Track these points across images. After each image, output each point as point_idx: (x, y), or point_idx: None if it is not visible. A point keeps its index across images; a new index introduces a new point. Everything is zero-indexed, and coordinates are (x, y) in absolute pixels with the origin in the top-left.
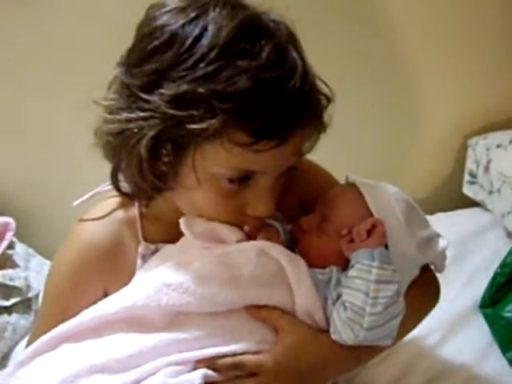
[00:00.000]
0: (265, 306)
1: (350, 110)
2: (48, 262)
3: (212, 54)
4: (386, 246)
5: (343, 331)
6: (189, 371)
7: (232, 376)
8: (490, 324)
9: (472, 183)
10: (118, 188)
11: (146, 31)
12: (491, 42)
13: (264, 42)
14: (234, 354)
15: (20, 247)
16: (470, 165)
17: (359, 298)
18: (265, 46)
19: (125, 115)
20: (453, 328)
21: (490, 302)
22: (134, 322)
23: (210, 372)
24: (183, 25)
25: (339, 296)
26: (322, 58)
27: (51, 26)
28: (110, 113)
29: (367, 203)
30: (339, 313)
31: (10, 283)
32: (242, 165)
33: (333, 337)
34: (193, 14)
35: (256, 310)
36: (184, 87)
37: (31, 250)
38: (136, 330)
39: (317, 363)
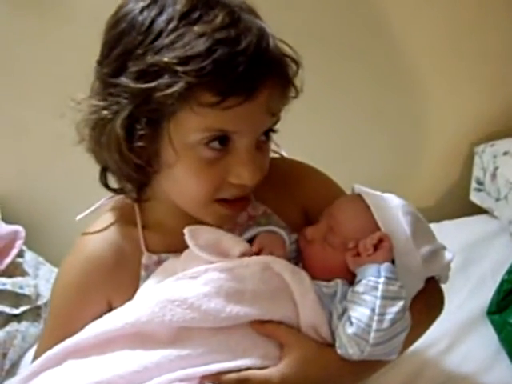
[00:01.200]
0: (269, 321)
1: (357, 117)
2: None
3: (170, 26)
4: (393, 260)
5: (349, 346)
6: None
7: None
8: (497, 331)
9: (479, 190)
10: (106, 185)
11: (111, 23)
12: (497, 49)
13: (218, 9)
14: (239, 370)
15: (29, 255)
16: (476, 172)
17: (366, 314)
18: (219, 12)
19: (100, 104)
20: (460, 335)
21: (498, 309)
22: (139, 338)
23: None
24: (142, 9)
25: (345, 310)
26: (329, 64)
27: (57, 28)
28: (90, 113)
29: (374, 216)
30: (345, 328)
31: (20, 291)
32: (214, 125)
33: (338, 351)
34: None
35: (261, 326)
36: (149, 61)
37: (41, 259)
38: (140, 346)
39: (322, 378)
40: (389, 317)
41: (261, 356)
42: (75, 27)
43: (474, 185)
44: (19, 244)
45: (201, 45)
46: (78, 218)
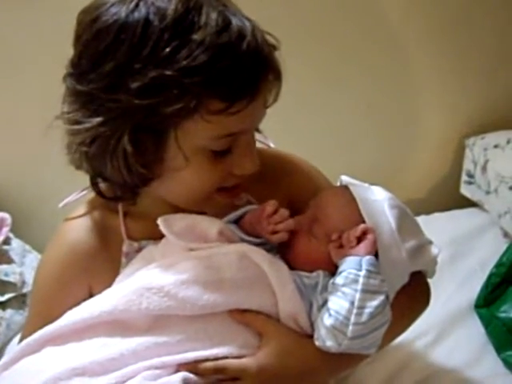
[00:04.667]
0: (248, 311)
1: (347, 110)
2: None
3: (166, 36)
4: (376, 254)
5: (327, 339)
6: (169, 375)
7: (214, 380)
8: (485, 324)
9: (469, 183)
10: (101, 195)
11: (90, 35)
12: (488, 44)
13: (206, 10)
14: (216, 358)
15: (16, 243)
16: (467, 165)
17: (344, 307)
18: (209, 14)
19: (95, 121)
20: (447, 328)
21: (485, 302)
22: (116, 326)
23: (191, 375)
24: (127, 16)
25: (325, 302)
26: (322, 59)
27: (48, 19)
28: (74, 123)
29: (359, 208)
30: (323, 320)
31: (5, 278)
32: (224, 130)
33: (316, 343)
34: (132, 4)
35: (239, 314)
36: (150, 75)
37: (27, 246)
38: (118, 334)
39: (300, 368)
40: (368, 310)
41: (239, 345)
42: (67, 18)
43: (464, 177)
44: (5, 231)
45: (203, 54)
46: (61, 204)
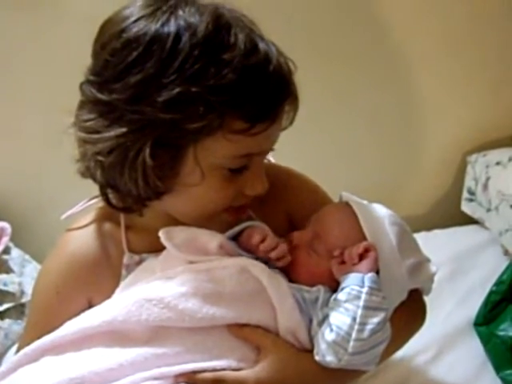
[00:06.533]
0: (247, 325)
1: (351, 125)
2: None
3: (195, 53)
4: (377, 271)
5: (327, 354)
6: None
7: None
8: (484, 342)
9: (470, 200)
10: (111, 205)
11: (119, 45)
12: (491, 61)
13: (235, 31)
14: (214, 370)
15: (16, 252)
16: (468, 182)
17: (346, 323)
18: (238, 35)
19: (114, 132)
20: (446, 345)
21: (485, 320)
22: (115, 336)
23: None
24: (157, 29)
25: (325, 317)
26: (326, 71)
27: (51, 28)
28: (92, 133)
29: (360, 225)
30: (324, 335)
31: (4, 288)
32: (242, 150)
33: (316, 358)
34: (163, 18)
35: (238, 329)
36: (177, 90)
37: (27, 256)
38: (116, 344)
39: (298, 383)
40: (369, 327)
41: (237, 358)
42: (69, 26)
43: (465, 195)
44: (5, 241)
45: (231, 74)
46: (63, 216)
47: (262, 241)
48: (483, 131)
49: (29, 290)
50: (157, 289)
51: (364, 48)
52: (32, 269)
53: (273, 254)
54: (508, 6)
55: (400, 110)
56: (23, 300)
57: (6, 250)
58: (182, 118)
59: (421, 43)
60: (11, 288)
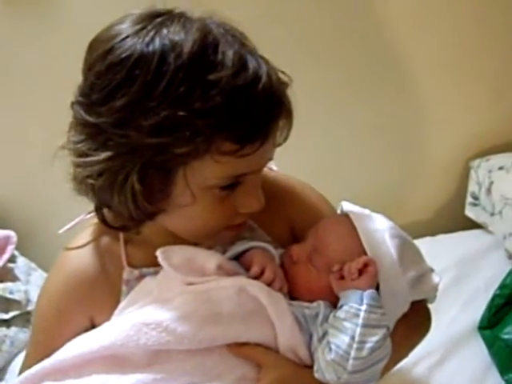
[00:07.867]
0: (246, 344)
1: (353, 131)
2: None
3: (180, 75)
4: (377, 285)
5: (326, 372)
6: None
7: None
8: (488, 346)
9: (474, 205)
10: (107, 223)
11: (103, 68)
12: (493, 65)
13: (222, 49)
14: None
15: (22, 261)
16: (472, 187)
17: (345, 342)
18: (225, 53)
19: (103, 155)
20: (451, 349)
21: (489, 324)
22: (115, 361)
23: None
24: (141, 51)
25: (325, 333)
26: (325, 78)
27: (55, 33)
28: (81, 155)
29: (360, 238)
30: (324, 353)
31: (10, 296)
32: (233, 171)
33: (316, 375)
34: (148, 37)
35: (237, 348)
36: (162, 114)
37: (33, 264)
38: (116, 369)
39: None
40: (368, 345)
41: (237, 378)
42: (71, 35)
43: (469, 199)
44: (10, 249)
45: (219, 96)
46: (61, 231)
47: (262, 272)
48: (485, 137)
49: (34, 297)
50: (154, 312)
51: (367, 55)
52: (38, 277)
53: (276, 287)
54: (509, 14)
55: (403, 116)
56: (29, 308)
57: (12, 259)
58: (168, 142)
59: (423, 51)
60: (17, 296)
